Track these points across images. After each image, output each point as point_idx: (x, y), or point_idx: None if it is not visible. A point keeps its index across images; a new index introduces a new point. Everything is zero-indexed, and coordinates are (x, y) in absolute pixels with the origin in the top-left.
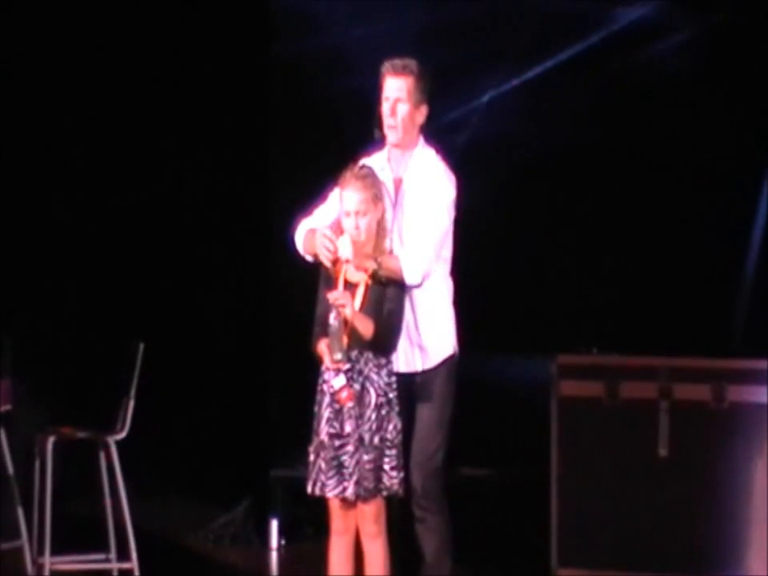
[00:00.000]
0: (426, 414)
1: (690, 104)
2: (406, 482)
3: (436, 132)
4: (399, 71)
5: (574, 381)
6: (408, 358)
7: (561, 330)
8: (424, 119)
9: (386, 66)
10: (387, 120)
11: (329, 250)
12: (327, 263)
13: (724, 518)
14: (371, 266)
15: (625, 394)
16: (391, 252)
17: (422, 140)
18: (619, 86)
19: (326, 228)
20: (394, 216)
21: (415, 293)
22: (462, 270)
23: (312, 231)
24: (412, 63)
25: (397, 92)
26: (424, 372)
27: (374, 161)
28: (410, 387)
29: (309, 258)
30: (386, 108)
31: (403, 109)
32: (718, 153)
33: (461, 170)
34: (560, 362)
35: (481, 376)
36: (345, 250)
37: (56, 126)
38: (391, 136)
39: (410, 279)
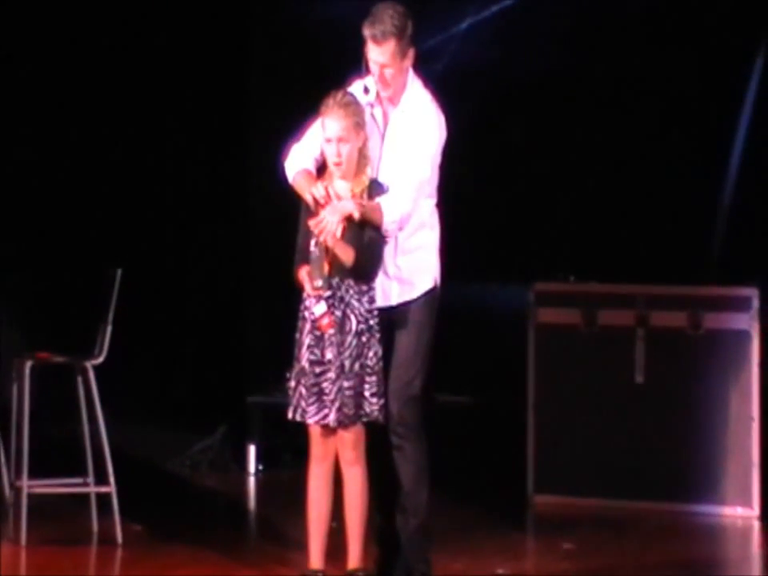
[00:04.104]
0: (403, 342)
1: (667, 31)
2: (384, 409)
3: (415, 59)
4: (380, 40)
5: (551, 308)
6: (385, 292)
7: (538, 258)
8: (412, 60)
9: (367, 32)
10: (378, 84)
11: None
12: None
13: (700, 446)
14: (354, 212)
15: (602, 321)
16: (374, 181)
17: (411, 74)
18: (597, 12)
19: (320, 183)
20: (381, 144)
21: None
22: (440, 197)
23: (304, 173)
24: (391, 25)
25: (381, 58)
26: (402, 303)
27: (366, 82)
28: (388, 317)
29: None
30: (373, 70)
31: (390, 72)
32: (696, 80)
33: (438, 98)
34: (537, 290)
35: (458, 303)
36: (332, 217)
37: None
38: (383, 93)
39: (385, 232)
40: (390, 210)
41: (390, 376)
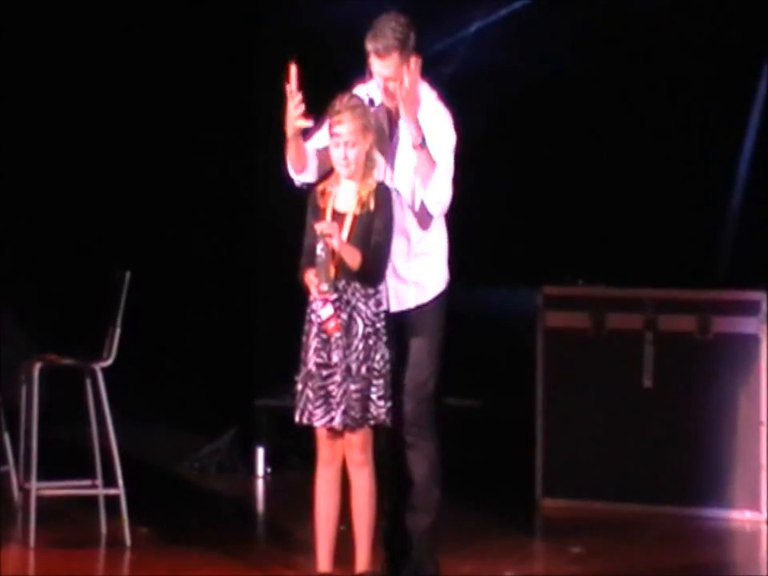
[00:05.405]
0: (418, 344)
1: (678, 35)
2: (397, 410)
3: (423, 63)
4: (383, 54)
5: (559, 312)
6: (400, 296)
7: (547, 261)
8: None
9: (369, 46)
10: (383, 96)
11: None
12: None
13: (708, 450)
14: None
15: (610, 325)
16: (380, 184)
17: None
18: (606, 16)
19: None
20: (390, 149)
21: (410, 232)
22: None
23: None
24: (393, 38)
25: (385, 71)
26: (417, 306)
27: (369, 90)
28: (403, 320)
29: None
30: (378, 83)
31: (394, 84)
32: (706, 83)
33: (447, 102)
34: (546, 293)
35: (467, 307)
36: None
37: (47, 53)
38: (387, 104)
39: (433, 211)
40: (435, 192)
41: (405, 377)
